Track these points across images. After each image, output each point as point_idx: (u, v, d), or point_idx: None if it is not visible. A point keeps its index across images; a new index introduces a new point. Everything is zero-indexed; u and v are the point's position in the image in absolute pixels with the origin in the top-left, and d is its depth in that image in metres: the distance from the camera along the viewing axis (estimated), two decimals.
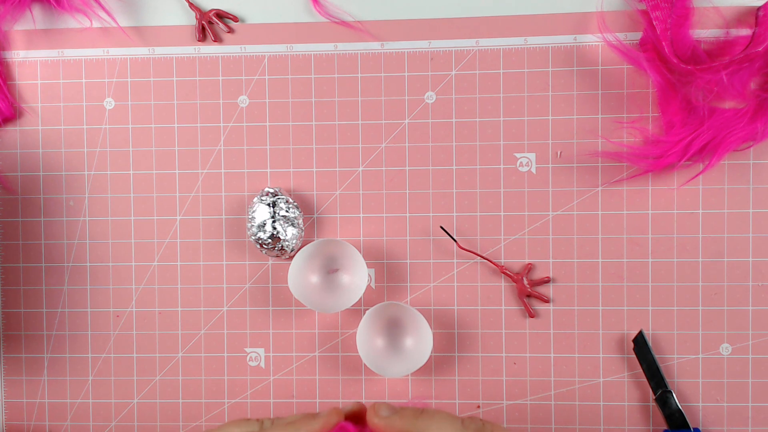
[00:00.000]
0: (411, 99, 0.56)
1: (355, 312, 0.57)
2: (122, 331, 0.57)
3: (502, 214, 0.55)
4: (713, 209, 0.55)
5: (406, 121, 0.56)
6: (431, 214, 0.56)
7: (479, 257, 0.55)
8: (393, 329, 0.55)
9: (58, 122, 0.57)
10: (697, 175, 0.54)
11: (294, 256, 0.55)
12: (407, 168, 0.56)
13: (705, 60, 0.53)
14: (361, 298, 0.56)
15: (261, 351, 0.57)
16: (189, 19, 0.57)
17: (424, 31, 0.56)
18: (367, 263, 0.56)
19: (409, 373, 0.54)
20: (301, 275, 0.55)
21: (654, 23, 0.52)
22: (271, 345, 0.57)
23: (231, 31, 0.56)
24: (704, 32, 0.54)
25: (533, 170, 0.55)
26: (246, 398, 0.57)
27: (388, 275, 0.56)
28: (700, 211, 0.55)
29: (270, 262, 0.57)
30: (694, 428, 0.54)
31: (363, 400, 0.56)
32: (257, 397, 0.57)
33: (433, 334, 0.56)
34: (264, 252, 0.55)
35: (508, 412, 0.56)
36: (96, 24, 0.57)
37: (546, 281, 0.55)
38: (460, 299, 0.56)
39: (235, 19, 0.56)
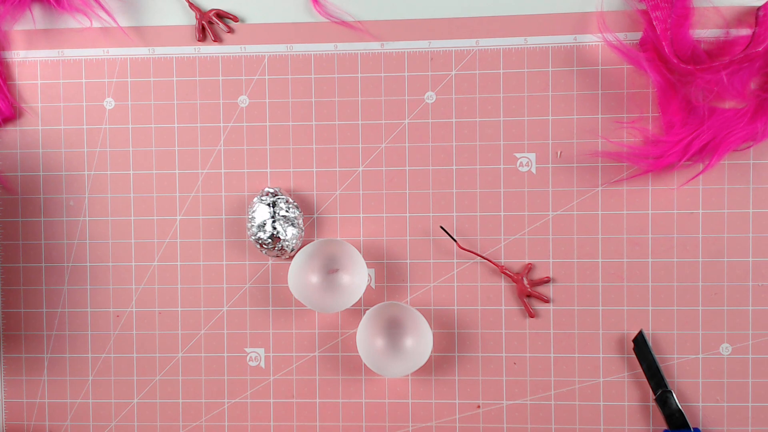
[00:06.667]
0: (411, 99, 0.56)
1: (355, 312, 0.57)
2: (122, 331, 0.57)
3: (502, 214, 0.55)
4: (713, 209, 0.55)
5: (406, 121, 0.56)
6: (431, 214, 0.56)
7: (479, 257, 0.55)
8: (393, 329, 0.55)
9: (58, 122, 0.57)
10: (697, 175, 0.54)
11: (294, 256, 0.55)
12: (407, 168, 0.56)
13: (705, 60, 0.53)
14: (361, 298, 0.56)
15: (261, 351, 0.57)
16: (189, 19, 0.57)
17: (424, 31, 0.56)
18: (367, 263, 0.56)
19: (409, 373, 0.54)
20: (301, 275, 0.55)
21: (654, 23, 0.52)
22: (271, 345, 0.57)
23: (231, 31, 0.56)
24: (704, 32, 0.54)
25: (533, 170, 0.55)
26: (246, 398, 0.57)
27: (388, 275, 0.56)
28: (700, 211, 0.55)
29: (270, 262, 0.57)
30: (694, 428, 0.54)
31: (363, 400, 0.56)
32: (257, 397, 0.57)
33: (433, 334, 0.56)
34: (264, 252, 0.55)
35: (508, 412, 0.56)
36: (96, 24, 0.57)
37: (546, 281, 0.55)
38: (460, 299, 0.56)
39: (235, 19, 0.56)
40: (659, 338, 0.55)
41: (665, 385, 0.54)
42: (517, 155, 0.55)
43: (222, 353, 0.57)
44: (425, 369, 0.56)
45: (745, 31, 0.54)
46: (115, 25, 0.57)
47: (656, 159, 0.53)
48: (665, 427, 0.54)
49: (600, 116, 0.55)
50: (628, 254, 0.55)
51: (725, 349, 0.55)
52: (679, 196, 0.55)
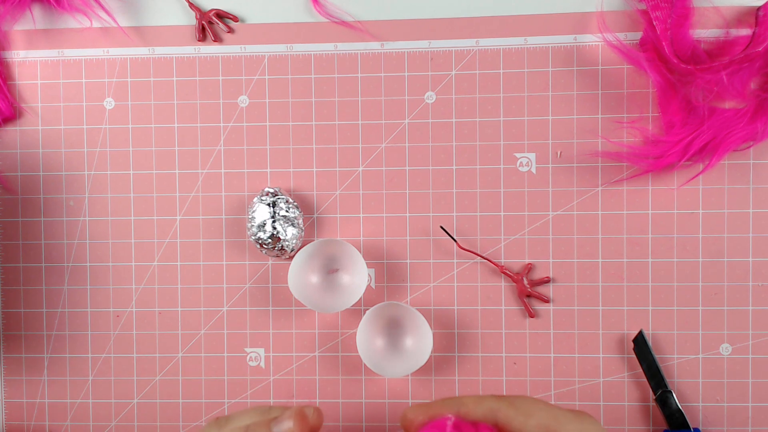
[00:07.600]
0: (411, 99, 0.56)
1: (355, 312, 0.56)
2: (122, 331, 0.57)
3: (502, 214, 0.55)
4: (713, 209, 0.55)
5: (406, 121, 0.56)
6: (431, 214, 0.56)
7: (479, 257, 0.55)
8: (393, 329, 0.55)
9: (58, 122, 0.57)
10: (697, 175, 0.54)
11: (294, 256, 0.55)
12: (407, 168, 0.56)
13: (705, 60, 0.53)
14: (361, 298, 0.56)
15: (261, 351, 0.57)
16: (189, 19, 0.57)
17: (424, 31, 0.56)
18: (367, 263, 0.56)
19: (409, 373, 0.54)
20: (301, 275, 0.55)
21: (654, 23, 0.52)
22: (271, 345, 0.57)
23: (231, 31, 0.56)
24: (704, 32, 0.54)
25: (533, 170, 0.55)
26: (246, 398, 0.57)
27: (388, 275, 0.56)
28: (700, 211, 0.55)
29: (270, 262, 0.57)
30: (694, 428, 0.54)
31: (363, 400, 0.56)
32: (257, 397, 0.57)
33: (433, 334, 0.56)
34: (264, 252, 0.55)
35: None
36: (96, 24, 0.57)
37: (546, 281, 0.55)
38: (460, 299, 0.56)
39: (235, 19, 0.56)
40: (659, 338, 0.55)
41: (665, 385, 0.54)
42: (517, 155, 0.55)
43: (222, 353, 0.57)
44: (425, 369, 0.56)
45: (745, 31, 0.54)
46: (115, 25, 0.57)
47: (656, 159, 0.53)
48: (665, 427, 0.54)
49: (600, 116, 0.55)
50: (628, 254, 0.55)
51: (725, 349, 0.55)
52: (679, 196, 0.55)
